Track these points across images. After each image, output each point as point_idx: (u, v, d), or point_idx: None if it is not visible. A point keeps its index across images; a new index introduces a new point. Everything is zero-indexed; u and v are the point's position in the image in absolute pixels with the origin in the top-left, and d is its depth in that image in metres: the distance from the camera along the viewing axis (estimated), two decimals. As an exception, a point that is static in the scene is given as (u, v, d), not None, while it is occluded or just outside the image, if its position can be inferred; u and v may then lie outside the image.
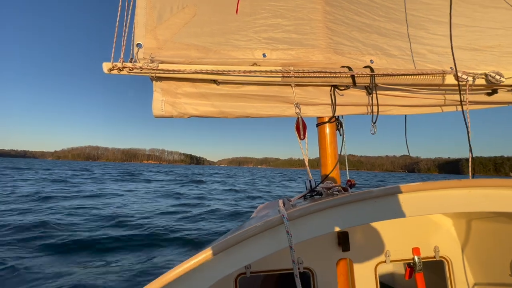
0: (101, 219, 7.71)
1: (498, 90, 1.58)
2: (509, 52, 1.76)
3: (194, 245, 5.84)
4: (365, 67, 1.47)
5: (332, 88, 1.49)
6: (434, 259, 1.52)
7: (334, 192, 1.16)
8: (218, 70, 1.36)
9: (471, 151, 1.43)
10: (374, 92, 1.46)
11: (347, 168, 1.69)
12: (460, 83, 1.49)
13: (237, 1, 1.49)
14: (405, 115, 1.79)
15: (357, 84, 1.44)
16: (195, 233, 6.65)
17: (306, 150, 1.39)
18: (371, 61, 1.57)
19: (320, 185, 1.28)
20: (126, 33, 1.40)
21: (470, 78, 1.48)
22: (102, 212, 8.53)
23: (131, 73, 1.38)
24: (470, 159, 1.42)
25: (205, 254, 0.75)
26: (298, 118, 1.42)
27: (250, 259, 0.79)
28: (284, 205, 0.95)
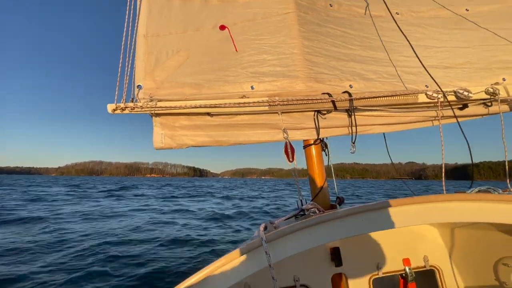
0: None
1: (469, 104, 1.72)
2: (478, 68, 1.92)
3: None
4: (344, 92, 1.62)
5: (316, 113, 1.63)
6: (425, 269, 1.57)
7: (311, 214, 1.26)
8: (211, 104, 1.51)
9: (443, 166, 1.55)
10: (353, 114, 1.60)
11: (335, 185, 1.79)
12: (432, 100, 1.63)
13: (230, 41, 1.68)
14: (383, 133, 1.92)
15: (337, 108, 1.58)
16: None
17: (295, 172, 1.50)
18: (350, 86, 1.72)
19: (305, 205, 1.38)
20: (127, 77, 1.57)
21: (440, 96, 1.62)
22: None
23: (132, 112, 1.53)
24: (472, 167, 1.55)
25: (210, 268, 0.87)
26: (286, 142, 1.55)
27: (244, 275, 0.90)
28: (265, 228, 1.07)
